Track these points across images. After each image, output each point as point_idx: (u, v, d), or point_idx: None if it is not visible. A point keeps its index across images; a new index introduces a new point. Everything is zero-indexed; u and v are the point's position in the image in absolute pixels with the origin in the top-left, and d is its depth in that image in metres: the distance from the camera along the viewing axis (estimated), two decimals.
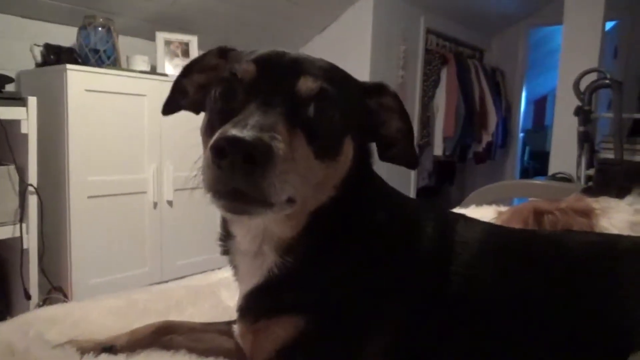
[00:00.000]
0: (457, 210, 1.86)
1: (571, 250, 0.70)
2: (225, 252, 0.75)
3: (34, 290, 2.24)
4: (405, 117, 0.72)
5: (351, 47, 3.94)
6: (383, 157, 0.74)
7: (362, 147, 0.70)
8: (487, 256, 0.68)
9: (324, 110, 0.60)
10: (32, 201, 2.20)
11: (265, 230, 0.67)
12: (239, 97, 0.60)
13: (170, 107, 0.79)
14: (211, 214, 2.94)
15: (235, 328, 0.73)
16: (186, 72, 0.77)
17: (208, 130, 0.64)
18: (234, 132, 0.50)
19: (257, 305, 0.68)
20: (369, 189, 0.73)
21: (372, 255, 0.67)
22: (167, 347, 0.78)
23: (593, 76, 3.45)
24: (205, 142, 0.63)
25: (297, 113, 0.58)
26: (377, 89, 0.71)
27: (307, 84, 0.60)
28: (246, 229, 0.69)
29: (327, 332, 0.63)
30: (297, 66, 0.62)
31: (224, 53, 0.73)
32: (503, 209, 1.53)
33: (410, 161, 0.74)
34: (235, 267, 0.75)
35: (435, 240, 0.69)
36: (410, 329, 0.63)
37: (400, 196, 0.78)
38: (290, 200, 0.57)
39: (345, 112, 0.63)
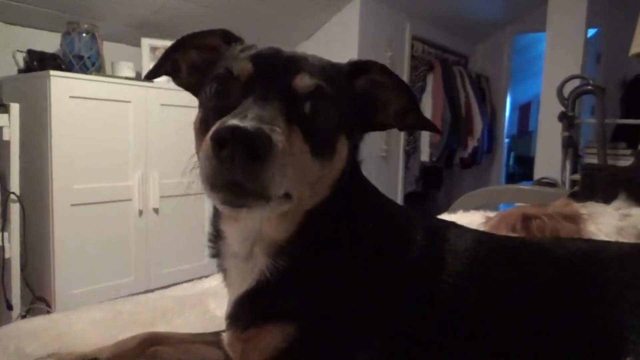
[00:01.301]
0: (445, 216, 1.86)
1: (559, 258, 0.70)
2: (215, 254, 0.74)
3: (16, 301, 2.20)
4: (401, 88, 0.70)
5: (337, 53, 3.93)
6: (401, 128, 0.74)
7: (355, 145, 0.69)
8: (477, 265, 0.68)
9: (320, 107, 0.60)
10: (15, 209, 2.16)
11: (258, 230, 0.66)
12: (235, 94, 0.60)
13: (155, 75, 0.77)
14: (198, 221, 2.92)
15: (224, 337, 0.71)
16: (181, 44, 0.74)
17: (202, 126, 0.62)
18: (235, 122, 0.50)
19: (247, 312, 0.67)
20: (361, 193, 0.72)
21: (363, 262, 0.66)
22: (153, 359, 0.76)
23: (576, 82, 3.50)
24: (199, 138, 0.62)
25: (294, 110, 0.58)
26: (362, 67, 0.70)
27: (303, 81, 0.60)
28: (238, 229, 0.68)
29: (317, 341, 0.62)
30: (294, 63, 0.62)
31: (227, 37, 0.72)
32: (491, 214, 1.53)
33: (427, 125, 0.73)
34: (224, 271, 0.73)
35: (426, 249, 0.68)
36: (400, 337, 0.63)
37: (390, 202, 0.77)
38: (287, 196, 0.56)
39: (340, 110, 0.63)
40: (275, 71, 0.61)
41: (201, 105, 0.67)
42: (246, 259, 0.67)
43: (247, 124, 0.49)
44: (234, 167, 0.50)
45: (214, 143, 0.50)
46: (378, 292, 0.64)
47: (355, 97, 0.69)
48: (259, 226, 0.65)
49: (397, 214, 0.75)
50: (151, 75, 0.76)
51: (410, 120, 0.72)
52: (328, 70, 0.65)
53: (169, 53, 0.74)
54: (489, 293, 0.65)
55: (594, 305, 0.63)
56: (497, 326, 0.63)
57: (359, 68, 0.70)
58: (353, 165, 0.69)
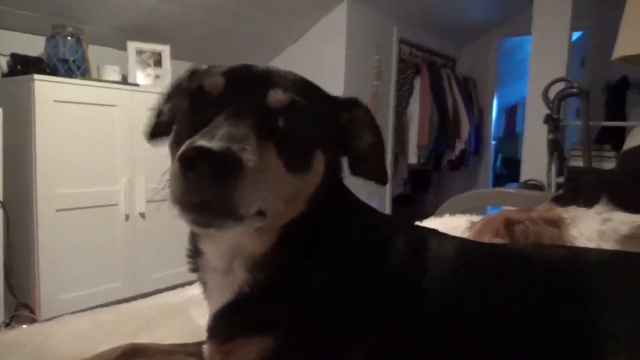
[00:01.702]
0: (432, 220, 1.87)
1: (540, 265, 0.71)
2: (194, 269, 0.74)
3: None
4: (376, 131, 0.71)
5: (325, 57, 3.96)
6: (355, 172, 0.73)
7: (333, 161, 0.70)
8: (458, 272, 0.68)
9: (295, 122, 0.59)
10: None
11: (236, 245, 0.66)
12: (208, 110, 0.59)
13: (153, 136, 0.77)
14: (185, 226, 2.87)
15: (204, 349, 0.71)
16: (167, 98, 0.76)
17: (176, 142, 0.62)
18: (202, 142, 0.49)
19: (227, 324, 0.66)
20: (341, 203, 0.72)
21: (343, 273, 0.66)
22: None
23: (561, 85, 3.54)
24: (173, 155, 0.62)
25: (268, 125, 0.57)
26: (349, 103, 0.71)
27: (277, 96, 0.60)
28: (216, 245, 0.67)
29: (299, 353, 0.62)
30: (267, 78, 0.62)
31: (195, 74, 0.72)
32: (476, 218, 1.54)
33: (380, 176, 0.74)
34: (204, 285, 0.73)
35: (407, 257, 0.68)
36: (381, 346, 0.63)
37: (371, 211, 0.77)
38: (261, 213, 0.56)
39: (316, 125, 0.62)
40: (248, 86, 0.60)
41: (176, 122, 0.67)
42: (225, 274, 0.67)
43: (214, 144, 0.49)
44: (202, 187, 0.49)
45: (181, 164, 0.50)
46: (357, 301, 0.64)
47: (338, 125, 0.70)
48: (237, 241, 0.65)
49: (378, 223, 0.75)
50: (150, 136, 0.77)
51: (367, 165, 0.72)
52: (303, 86, 0.65)
53: (158, 109, 0.76)
54: (470, 300, 0.66)
55: (575, 312, 0.63)
56: (478, 333, 0.64)
57: (350, 104, 0.71)
58: (333, 179, 0.69)
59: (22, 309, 2.31)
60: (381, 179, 0.74)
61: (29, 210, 2.30)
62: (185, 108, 0.63)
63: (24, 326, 2.13)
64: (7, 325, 2.22)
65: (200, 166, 0.49)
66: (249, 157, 0.51)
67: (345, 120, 0.71)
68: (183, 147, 0.50)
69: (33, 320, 2.25)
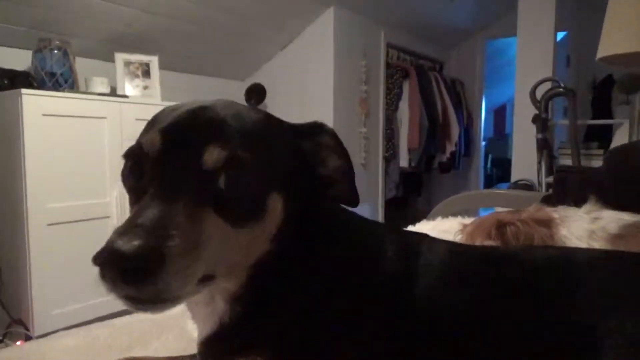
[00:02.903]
0: (424, 223, 1.88)
1: (531, 265, 0.71)
2: None
3: None
4: (344, 155, 0.69)
5: (313, 63, 3.98)
6: (323, 197, 0.70)
7: (298, 193, 0.65)
8: (449, 276, 0.69)
9: (237, 178, 0.56)
10: None
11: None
12: (146, 174, 0.57)
13: None
14: None
15: None
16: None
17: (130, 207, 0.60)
18: (116, 244, 0.47)
19: (215, 351, 0.66)
20: (316, 225, 0.69)
21: (329, 288, 0.65)
22: None
23: (548, 85, 3.58)
24: None
25: (206, 189, 0.54)
26: (312, 130, 0.68)
27: (212, 156, 0.55)
28: None
29: None
30: (206, 132, 0.57)
31: (150, 125, 0.66)
32: (467, 220, 1.55)
33: (351, 199, 0.71)
34: (191, 312, 0.73)
35: (398, 265, 0.68)
36: (373, 357, 0.63)
37: (357, 222, 0.76)
38: (208, 278, 0.54)
39: (265, 171, 0.59)
40: (185, 144, 0.56)
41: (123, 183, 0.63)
42: (207, 305, 0.66)
43: (127, 247, 0.46)
44: (124, 286, 0.47)
45: (98, 266, 0.48)
46: (346, 314, 0.64)
47: (301, 154, 0.67)
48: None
49: (365, 235, 0.74)
50: None
51: (337, 189, 0.70)
52: (250, 129, 0.61)
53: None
54: (464, 304, 0.66)
55: (568, 312, 0.64)
56: (470, 336, 0.64)
57: (314, 131, 0.68)
58: (304, 207, 0.66)
59: (15, 325, 2.29)
60: (351, 202, 0.71)
61: (20, 225, 2.28)
62: (127, 170, 0.60)
63: (19, 343, 2.12)
64: (0, 342, 2.20)
65: (116, 269, 0.47)
66: (174, 243, 0.48)
67: (308, 147, 0.68)
68: (99, 249, 0.48)
69: (27, 337, 2.23)
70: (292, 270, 0.65)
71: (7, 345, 2.15)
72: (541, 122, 3.51)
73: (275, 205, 0.60)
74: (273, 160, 0.61)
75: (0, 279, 2.20)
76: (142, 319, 1.03)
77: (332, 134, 0.68)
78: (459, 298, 0.67)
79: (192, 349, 0.82)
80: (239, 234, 0.56)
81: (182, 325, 0.97)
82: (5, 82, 2.47)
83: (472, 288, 0.68)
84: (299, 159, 0.66)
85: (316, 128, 0.68)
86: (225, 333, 0.65)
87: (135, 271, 0.46)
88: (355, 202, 0.71)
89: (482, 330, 0.64)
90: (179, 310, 1.06)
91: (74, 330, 0.97)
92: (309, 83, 4.01)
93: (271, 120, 0.66)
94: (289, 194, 0.62)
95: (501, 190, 2.94)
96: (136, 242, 0.47)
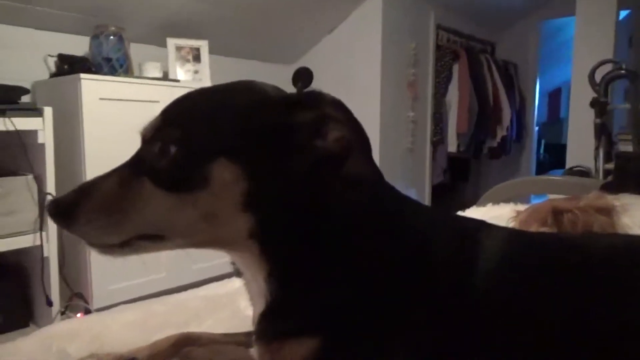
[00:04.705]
0: (474, 209, 1.84)
1: (596, 256, 0.68)
2: (237, 274, 0.75)
3: (55, 297, 2.27)
4: (349, 125, 0.63)
5: (361, 46, 3.93)
6: (335, 174, 0.64)
7: (277, 164, 0.62)
8: (509, 266, 0.66)
9: (166, 148, 0.61)
10: None
11: (242, 258, 0.68)
12: None
13: None
14: None
15: (252, 351, 0.72)
16: None
17: None
18: (58, 197, 0.63)
19: (267, 328, 0.67)
20: (365, 205, 0.66)
21: (381, 273, 0.63)
22: (187, 359, 0.79)
23: (608, 67, 3.39)
24: None
25: (144, 159, 0.64)
26: (308, 101, 0.64)
27: (146, 130, 0.65)
28: (232, 256, 0.71)
29: (345, 351, 0.62)
30: (160, 113, 0.66)
31: None
32: (521, 207, 1.50)
33: (368, 174, 0.65)
34: (247, 291, 0.74)
35: (455, 252, 0.66)
36: (430, 344, 0.61)
37: (411, 204, 0.73)
38: (155, 237, 0.63)
39: (202, 141, 0.60)
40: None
41: None
42: (254, 282, 0.68)
43: (59, 200, 0.63)
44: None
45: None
46: (400, 302, 0.62)
47: (287, 126, 0.63)
48: (240, 255, 0.68)
49: (420, 217, 0.71)
50: None
51: (350, 165, 0.63)
52: (198, 107, 0.65)
53: None
54: (526, 296, 0.63)
55: (634, 307, 0.61)
56: (531, 332, 0.61)
57: (308, 102, 0.64)
58: (304, 182, 0.63)
59: (76, 298, 2.42)
60: (369, 176, 0.66)
61: None
62: None
63: (79, 315, 2.24)
64: (62, 313, 2.34)
65: (49, 215, 0.63)
66: (88, 200, 0.62)
67: (307, 119, 0.63)
68: None
69: (86, 310, 2.36)
70: (333, 253, 0.63)
71: (68, 317, 2.28)
72: (600, 106, 3.34)
73: (222, 173, 0.59)
74: (219, 132, 0.62)
75: (63, 255, 2.32)
76: (194, 297, 1.07)
77: (332, 102, 0.63)
78: (518, 288, 0.64)
79: (245, 326, 0.84)
80: (181, 200, 0.60)
81: (236, 303, 1.00)
82: (66, 67, 2.57)
83: (531, 278, 0.65)
84: (283, 131, 0.62)
85: (312, 98, 0.64)
86: (273, 313, 0.65)
87: (57, 217, 0.61)
88: (373, 176, 0.66)
89: (541, 325, 0.61)
90: (233, 288, 1.09)
91: (133, 305, 1.02)
92: (356, 66, 3.97)
93: (244, 97, 0.66)
94: (256, 164, 0.61)
95: (556, 176, 2.84)
96: (64, 198, 0.62)
